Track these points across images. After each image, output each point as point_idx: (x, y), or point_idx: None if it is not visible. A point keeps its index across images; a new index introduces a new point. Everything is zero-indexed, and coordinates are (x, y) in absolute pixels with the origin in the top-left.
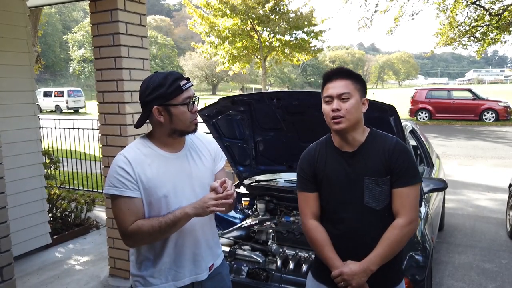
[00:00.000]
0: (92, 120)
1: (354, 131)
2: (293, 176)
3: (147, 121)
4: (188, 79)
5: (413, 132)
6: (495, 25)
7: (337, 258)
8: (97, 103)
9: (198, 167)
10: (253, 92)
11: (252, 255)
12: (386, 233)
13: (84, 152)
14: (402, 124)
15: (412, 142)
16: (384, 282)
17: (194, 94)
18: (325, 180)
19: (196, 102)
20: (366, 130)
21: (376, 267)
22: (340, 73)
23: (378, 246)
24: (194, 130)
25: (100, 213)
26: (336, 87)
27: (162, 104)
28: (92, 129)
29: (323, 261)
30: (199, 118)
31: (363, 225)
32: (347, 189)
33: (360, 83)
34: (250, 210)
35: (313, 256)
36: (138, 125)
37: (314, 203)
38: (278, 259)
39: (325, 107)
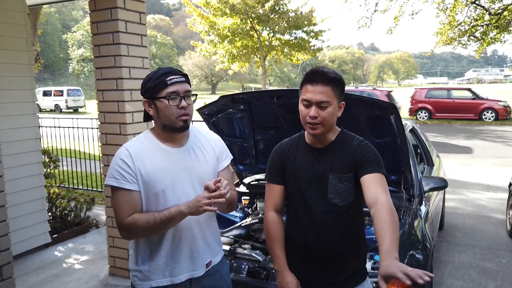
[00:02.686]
0: (91, 119)
1: (327, 133)
2: None
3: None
4: (184, 75)
5: (413, 131)
6: (494, 24)
7: (282, 257)
8: (97, 101)
9: (200, 163)
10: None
11: (252, 254)
12: (379, 218)
13: (84, 151)
14: (403, 123)
15: (413, 141)
16: (346, 280)
17: (187, 90)
18: (292, 174)
19: (192, 99)
20: (337, 130)
21: (396, 252)
22: (322, 77)
23: (383, 234)
24: (182, 127)
25: (99, 212)
26: (316, 93)
27: (150, 97)
28: (92, 128)
29: (270, 255)
30: (198, 117)
31: (326, 220)
32: (313, 185)
33: (340, 87)
34: (250, 209)
35: None
36: (143, 119)
37: (278, 196)
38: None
39: (302, 109)
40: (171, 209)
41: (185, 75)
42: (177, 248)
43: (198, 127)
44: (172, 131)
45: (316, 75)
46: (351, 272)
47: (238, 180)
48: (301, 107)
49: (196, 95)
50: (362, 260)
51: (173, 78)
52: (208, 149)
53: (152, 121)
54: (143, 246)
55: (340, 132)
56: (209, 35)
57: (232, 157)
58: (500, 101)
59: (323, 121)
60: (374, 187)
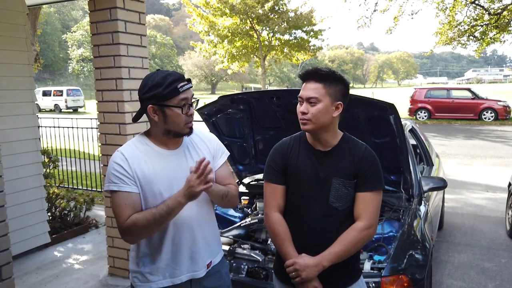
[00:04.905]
0: (91, 119)
1: (324, 133)
2: None
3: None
4: (189, 80)
5: (412, 131)
6: (494, 24)
7: (295, 254)
8: (96, 101)
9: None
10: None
11: (252, 254)
12: (344, 234)
13: (83, 151)
14: (402, 123)
15: (412, 141)
16: (340, 279)
17: (192, 95)
18: (294, 174)
19: (194, 104)
20: (339, 134)
21: (329, 263)
22: (314, 75)
23: (334, 244)
24: (188, 133)
25: (99, 212)
26: (307, 89)
27: (157, 103)
28: (91, 128)
29: (281, 255)
30: (198, 118)
31: (325, 223)
32: (315, 187)
33: (334, 86)
34: (249, 209)
35: None
36: (134, 119)
37: (281, 196)
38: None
39: (297, 107)
40: (168, 202)
41: (189, 80)
42: (177, 250)
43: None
44: (175, 136)
45: (308, 73)
46: (346, 271)
47: (238, 180)
48: (297, 105)
49: (197, 100)
50: (356, 259)
51: (184, 85)
52: (203, 148)
53: (147, 121)
54: (144, 248)
55: (343, 136)
56: (209, 35)
57: (228, 154)
58: (499, 101)
59: (312, 118)
60: (362, 207)
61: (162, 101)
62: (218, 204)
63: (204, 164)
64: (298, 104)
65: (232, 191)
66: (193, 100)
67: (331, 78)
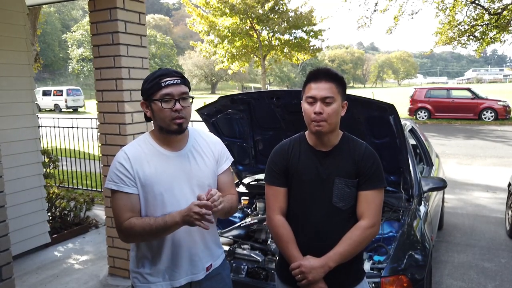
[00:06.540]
0: (91, 119)
1: (330, 133)
2: None
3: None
4: (181, 77)
5: (412, 131)
6: (494, 24)
7: (300, 256)
8: (96, 102)
9: (199, 167)
10: (252, 91)
11: (252, 254)
12: (348, 233)
13: (83, 151)
14: (402, 123)
15: (412, 141)
16: (344, 281)
17: (183, 92)
18: (296, 176)
19: (185, 101)
20: (340, 133)
21: (335, 264)
22: (326, 74)
23: (339, 244)
24: (176, 130)
25: (99, 212)
26: (321, 89)
27: (146, 99)
28: (91, 128)
29: (286, 258)
30: (198, 117)
31: (328, 223)
32: (317, 187)
33: (342, 86)
34: (249, 209)
35: None
36: (145, 119)
37: (283, 199)
38: (277, 258)
39: (306, 107)
40: (166, 218)
41: (182, 77)
42: (177, 252)
43: (198, 129)
44: (168, 133)
45: (320, 72)
46: (349, 272)
47: (238, 180)
48: (305, 106)
49: (192, 97)
50: (360, 260)
51: (168, 80)
52: (207, 152)
53: (147, 122)
54: (144, 250)
55: (343, 136)
56: (209, 35)
57: (232, 159)
58: (499, 100)
59: (328, 118)
60: (365, 206)
61: (148, 95)
62: (220, 216)
63: (211, 199)
64: (306, 104)
65: (234, 204)
66: (183, 97)
67: (339, 78)
